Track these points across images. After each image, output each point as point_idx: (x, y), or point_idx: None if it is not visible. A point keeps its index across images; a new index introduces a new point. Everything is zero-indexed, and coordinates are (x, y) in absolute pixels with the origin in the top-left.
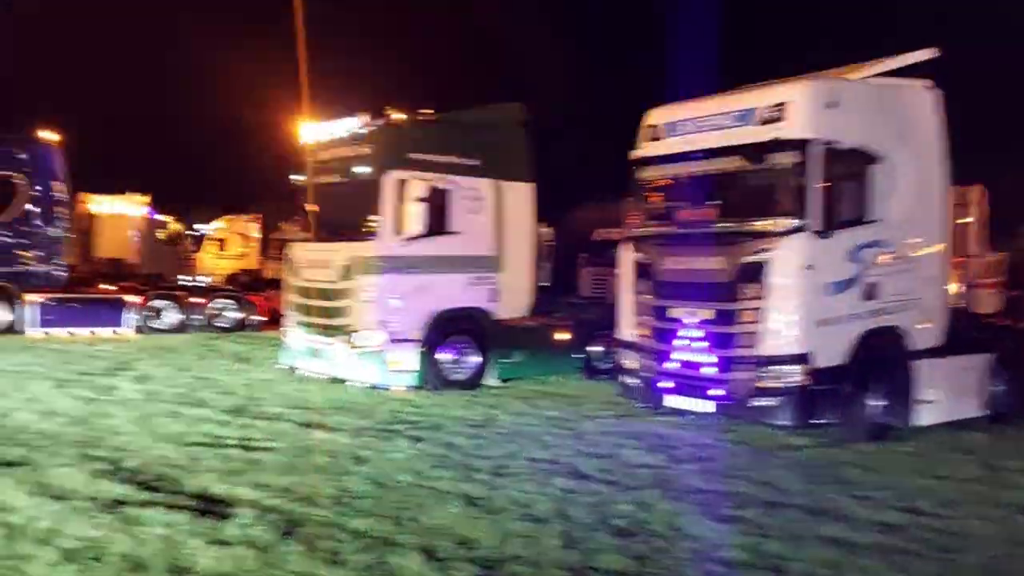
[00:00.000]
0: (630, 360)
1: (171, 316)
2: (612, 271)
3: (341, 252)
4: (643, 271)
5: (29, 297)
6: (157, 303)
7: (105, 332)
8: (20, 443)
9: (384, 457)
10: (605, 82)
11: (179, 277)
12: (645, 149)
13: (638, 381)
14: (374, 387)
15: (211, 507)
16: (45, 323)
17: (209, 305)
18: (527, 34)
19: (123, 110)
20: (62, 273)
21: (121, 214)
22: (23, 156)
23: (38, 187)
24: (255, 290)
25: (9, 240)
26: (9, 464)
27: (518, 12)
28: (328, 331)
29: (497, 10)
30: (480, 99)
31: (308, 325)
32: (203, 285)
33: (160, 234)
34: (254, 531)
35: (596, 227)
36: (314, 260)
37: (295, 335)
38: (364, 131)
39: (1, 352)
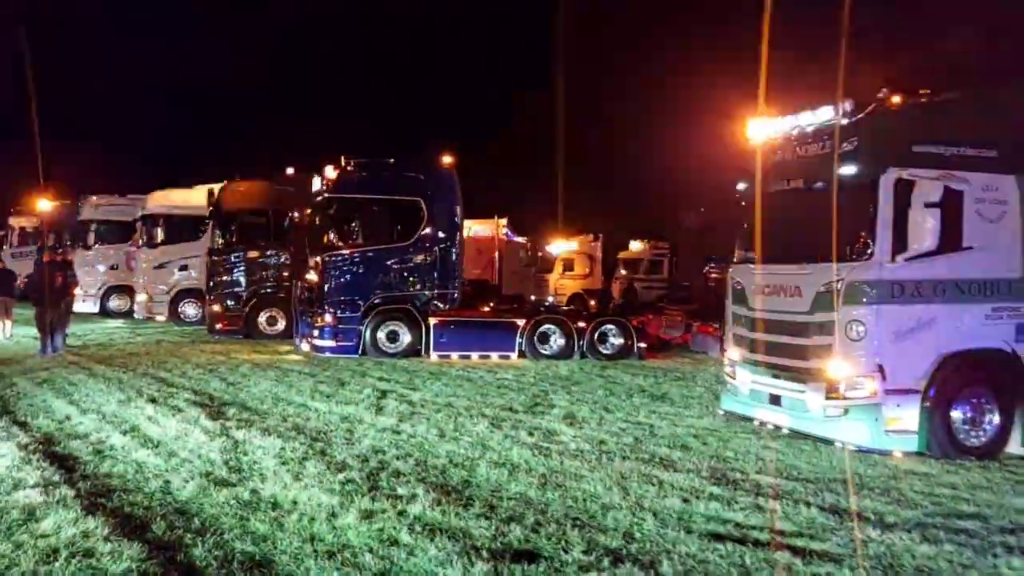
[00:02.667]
0: None
1: (557, 341)
2: None
3: (815, 276)
4: None
5: (431, 320)
6: (544, 327)
7: (493, 356)
8: (510, 516)
9: None
10: None
11: (533, 298)
12: None
13: None
14: (859, 449)
15: None
16: (440, 346)
17: (593, 330)
18: None
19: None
20: (456, 296)
21: (484, 236)
22: (426, 181)
23: (439, 211)
24: (635, 313)
25: (414, 263)
26: (523, 557)
27: None
28: (795, 375)
29: None
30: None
31: (764, 365)
32: (585, 310)
33: (523, 255)
34: None
35: None
36: (774, 285)
37: (744, 376)
38: (847, 121)
39: (415, 378)
